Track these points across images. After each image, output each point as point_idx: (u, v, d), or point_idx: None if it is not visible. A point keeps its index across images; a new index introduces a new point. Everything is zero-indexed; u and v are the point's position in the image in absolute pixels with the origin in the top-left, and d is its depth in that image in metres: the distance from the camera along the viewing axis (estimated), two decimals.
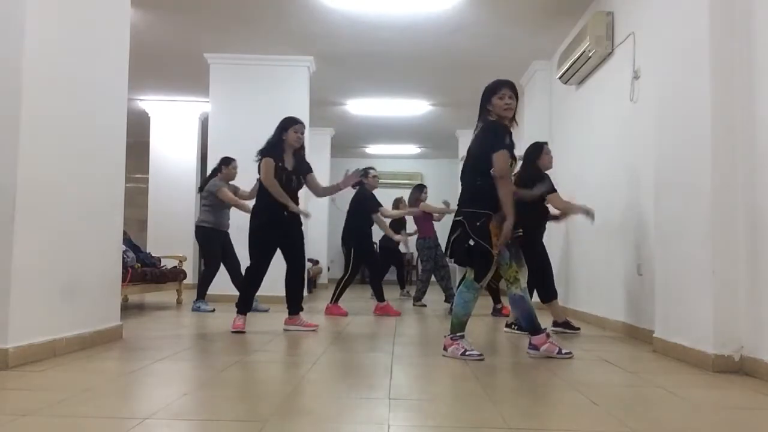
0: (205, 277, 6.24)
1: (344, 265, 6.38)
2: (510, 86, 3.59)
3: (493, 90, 3.59)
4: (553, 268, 4.97)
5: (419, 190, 7.62)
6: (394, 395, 2.57)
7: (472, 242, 3.44)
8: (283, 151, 4.61)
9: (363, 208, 6.32)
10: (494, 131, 3.51)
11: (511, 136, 3.53)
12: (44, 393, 2.50)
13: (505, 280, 3.64)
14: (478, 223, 3.43)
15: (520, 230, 3.67)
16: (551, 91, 7.36)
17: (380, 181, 6.74)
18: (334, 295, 6.23)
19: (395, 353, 3.68)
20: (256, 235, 4.61)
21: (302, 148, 4.73)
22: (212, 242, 6.19)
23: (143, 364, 3.20)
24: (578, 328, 4.84)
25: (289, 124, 4.65)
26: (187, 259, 8.00)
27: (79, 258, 3.53)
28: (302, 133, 4.67)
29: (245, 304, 4.65)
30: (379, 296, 6.26)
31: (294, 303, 4.74)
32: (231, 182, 6.33)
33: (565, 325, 4.81)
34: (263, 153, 4.60)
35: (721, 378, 3.04)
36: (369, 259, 6.40)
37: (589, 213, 4.68)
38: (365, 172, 6.19)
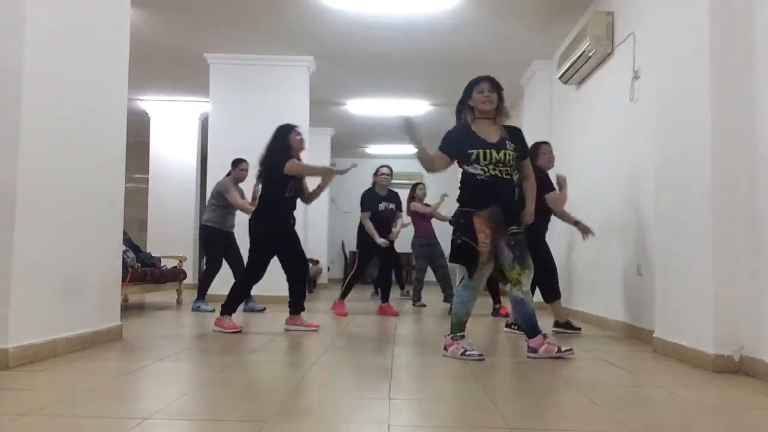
0: (205, 277, 6.23)
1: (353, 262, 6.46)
2: (488, 80, 3.62)
3: (473, 84, 3.64)
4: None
5: (414, 188, 7.63)
6: (394, 395, 2.57)
7: (459, 240, 3.50)
8: (290, 157, 4.60)
9: (362, 208, 6.36)
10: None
11: (457, 134, 3.69)
12: (44, 393, 2.50)
13: (508, 282, 3.64)
14: (461, 221, 3.51)
15: (514, 227, 3.57)
16: (551, 91, 7.36)
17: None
18: (342, 290, 6.27)
19: (395, 353, 3.68)
20: (263, 240, 4.60)
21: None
22: (215, 242, 6.18)
23: (143, 364, 3.20)
24: (579, 329, 4.84)
25: (288, 129, 4.66)
26: (187, 259, 8.00)
27: (79, 258, 3.53)
28: (302, 137, 4.69)
29: (233, 306, 4.63)
30: (384, 296, 6.32)
31: (297, 303, 4.74)
32: (240, 184, 6.30)
33: (566, 326, 4.81)
34: (270, 164, 4.57)
35: (721, 378, 3.04)
36: (361, 256, 6.40)
37: (580, 227, 4.81)
38: (374, 170, 6.32)
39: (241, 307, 5.31)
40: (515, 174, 3.56)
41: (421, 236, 7.35)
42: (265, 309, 6.06)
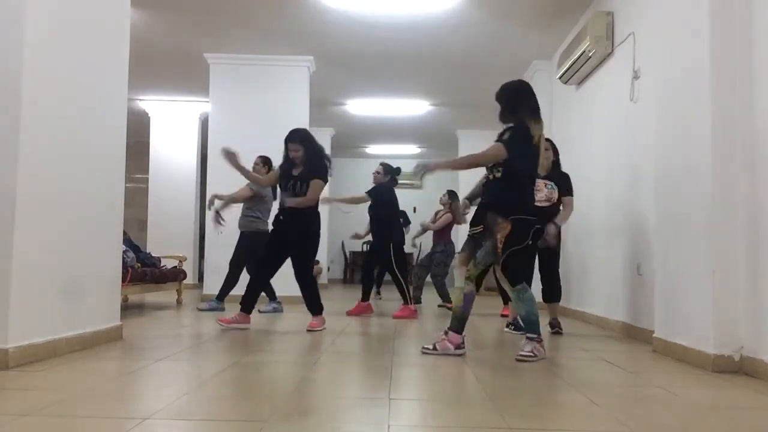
0: (227, 280, 6.17)
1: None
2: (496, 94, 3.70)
3: None
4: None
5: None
6: (394, 395, 2.57)
7: None
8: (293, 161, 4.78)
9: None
10: None
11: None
12: (44, 393, 2.50)
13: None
14: None
15: (479, 227, 3.62)
16: (551, 91, 7.35)
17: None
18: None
19: (395, 353, 3.68)
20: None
21: (304, 158, 4.74)
22: (237, 245, 6.14)
23: (143, 364, 3.20)
24: (561, 333, 4.74)
25: (286, 138, 4.79)
26: (187, 259, 8.00)
27: (79, 258, 3.52)
28: (293, 149, 4.70)
29: (244, 302, 4.72)
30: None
31: (308, 305, 4.81)
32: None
33: (551, 324, 4.77)
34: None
35: (721, 378, 3.04)
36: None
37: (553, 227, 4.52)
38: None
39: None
40: (498, 172, 3.54)
41: (435, 242, 7.53)
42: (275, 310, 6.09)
